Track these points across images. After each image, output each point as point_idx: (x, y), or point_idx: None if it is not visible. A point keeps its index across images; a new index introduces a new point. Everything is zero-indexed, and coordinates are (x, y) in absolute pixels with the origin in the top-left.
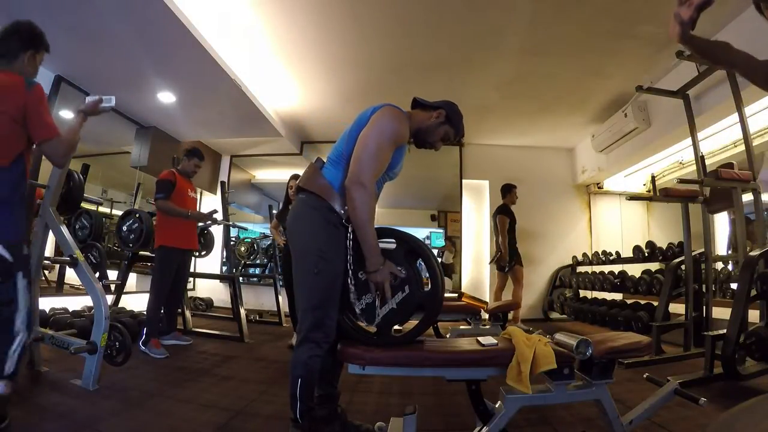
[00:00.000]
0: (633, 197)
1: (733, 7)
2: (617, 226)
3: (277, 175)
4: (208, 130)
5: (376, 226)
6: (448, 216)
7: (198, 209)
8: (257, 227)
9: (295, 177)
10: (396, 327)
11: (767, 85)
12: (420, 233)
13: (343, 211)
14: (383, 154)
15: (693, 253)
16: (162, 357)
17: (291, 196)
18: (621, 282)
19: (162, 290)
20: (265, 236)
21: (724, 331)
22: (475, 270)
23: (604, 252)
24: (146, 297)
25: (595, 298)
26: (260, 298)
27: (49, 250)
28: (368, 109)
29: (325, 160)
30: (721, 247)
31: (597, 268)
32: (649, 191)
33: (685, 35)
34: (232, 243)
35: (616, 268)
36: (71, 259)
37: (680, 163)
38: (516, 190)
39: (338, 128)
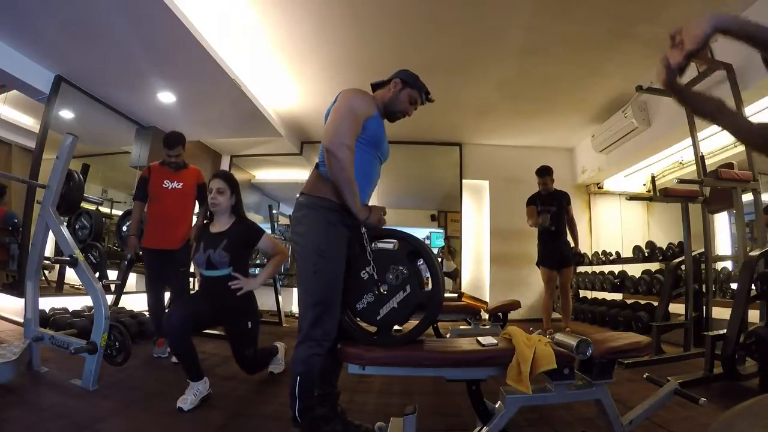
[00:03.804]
0: (633, 197)
1: (732, 7)
2: (617, 226)
3: (277, 175)
4: (208, 130)
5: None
6: (448, 216)
7: (191, 202)
8: None
9: (217, 175)
10: (396, 327)
11: (763, 150)
12: (420, 233)
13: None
14: (354, 116)
15: (693, 253)
16: (164, 356)
17: (210, 205)
18: (621, 282)
19: (148, 291)
20: None
21: (724, 331)
22: (475, 270)
23: (604, 252)
24: (146, 297)
25: (595, 298)
26: (260, 298)
27: (49, 250)
28: (331, 103)
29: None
30: (721, 247)
31: (597, 268)
32: (649, 191)
33: (672, 83)
34: None
35: (616, 268)
36: (71, 259)
37: (680, 163)
38: (539, 179)
39: None
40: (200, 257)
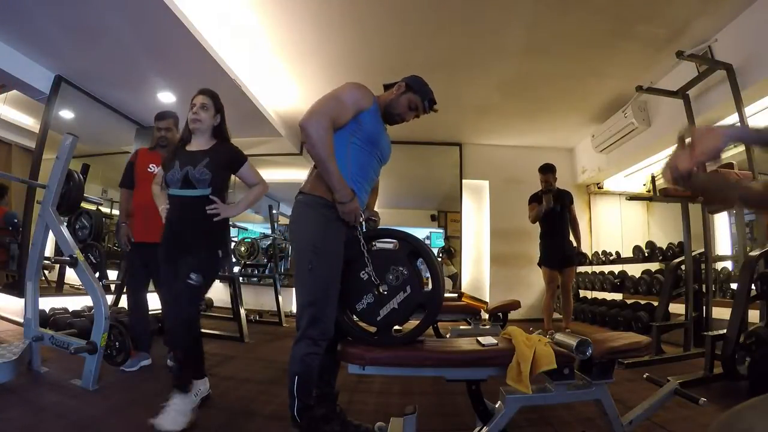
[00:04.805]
0: (633, 197)
1: (730, 9)
2: (617, 226)
3: (277, 175)
4: None
5: (380, 227)
6: (448, 216)
7: None
8: (257, 227)
9: (201, 91)
10: (396, 327)
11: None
12: (420, 233)
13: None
14: (337, 101)
15: (693, 253)
16: (133, 369)
17: (191, 121)
18: (621, 282)
19: (129, 293)
20: (265, 236)
21: (724, 331)
22: (476, 270)
23: (604, 252)
24: (126, 299)
25: (595, 298)
26: (260, 298)
27: (49, 250)
28: None
29: None
30: (721, 247)
31: (597, 268)
32: (649, 191)
33: (678, 183)
34: (232, 243)
35: (616, 268)
36: (71, 259)
37: None
38: (542, 176)
39: None
40: (174, 174)
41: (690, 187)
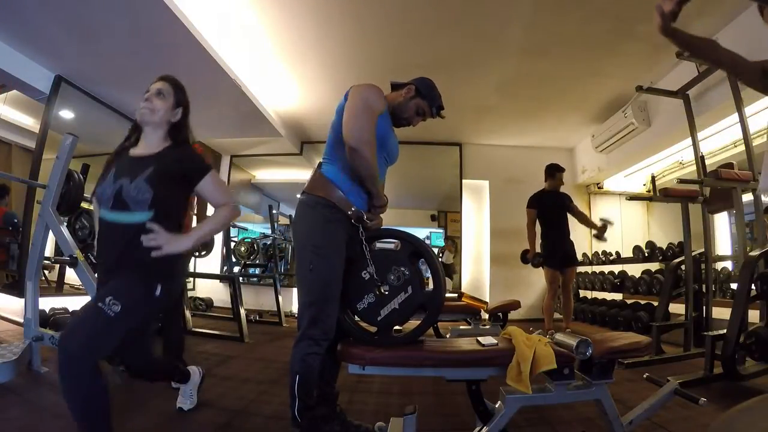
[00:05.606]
0: (633, 197)
1: (730, 9)
2: (617, 226)
3: (277, 175)
4: (208, 130)
5: (381, 227)
6: (448, 216)
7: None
8: (257, 227)
9: (162, 77)
10: (396, 327)
11: (758, 84)
12: (420, 233)
13: (351, 211)
14: (371, 111)
15: (693, 253)
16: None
17: (141, 110)
18: (621, 282)
19: None
20: (265, 236)
21: (724, 331)
22: (476, 270)
23: (604, 252)
24: None
25: (595, 298)
26: (260, 298)
27: (49, 250)
28: (342, 99)
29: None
30: (721, 247)
31: (597, 268)
32: (649, 191)
33: (667, 27)
34: (232, 243)
35: (616, 268)
36: (71, 259)
37: (680, 163)
38: (560, 174)
39: None
40: (106, 189)
41: (678, 38)
